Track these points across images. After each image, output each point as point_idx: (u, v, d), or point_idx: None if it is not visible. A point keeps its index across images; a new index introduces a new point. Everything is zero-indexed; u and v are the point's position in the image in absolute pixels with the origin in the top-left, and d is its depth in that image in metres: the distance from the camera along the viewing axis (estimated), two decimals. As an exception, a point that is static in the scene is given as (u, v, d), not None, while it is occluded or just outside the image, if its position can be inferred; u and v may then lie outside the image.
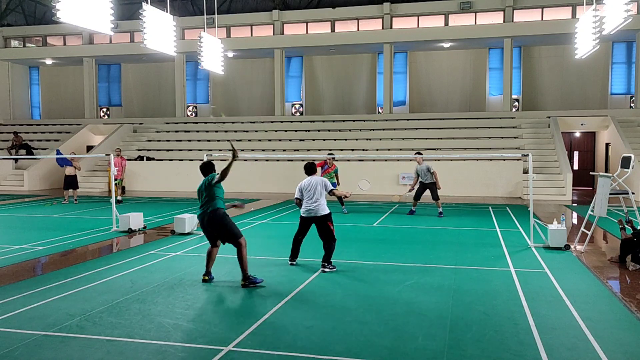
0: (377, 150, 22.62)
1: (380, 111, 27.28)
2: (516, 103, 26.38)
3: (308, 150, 22.48)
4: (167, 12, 12.91)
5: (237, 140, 24.72)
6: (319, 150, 21.81)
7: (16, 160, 24.31)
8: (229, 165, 6.75)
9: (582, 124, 24.08)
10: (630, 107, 24.67)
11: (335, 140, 23.71)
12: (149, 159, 23.79)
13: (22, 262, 8.37)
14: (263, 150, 23.65)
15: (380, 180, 20.10)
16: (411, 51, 27.37)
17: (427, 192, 14.03)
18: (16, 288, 6.71)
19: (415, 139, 22.88)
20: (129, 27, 27.25)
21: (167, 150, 24.90)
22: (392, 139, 23.26)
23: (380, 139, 23.46)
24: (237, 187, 19.78)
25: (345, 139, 23.77)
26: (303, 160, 18.17)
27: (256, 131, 25.81)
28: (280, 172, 21.17)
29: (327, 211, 7.77)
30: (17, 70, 31.00)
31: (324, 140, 23.78)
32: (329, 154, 15.28)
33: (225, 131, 26.19)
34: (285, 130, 25.45)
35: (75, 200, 17.73)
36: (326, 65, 28.79)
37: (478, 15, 24.79)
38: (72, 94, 31.14)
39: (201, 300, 6.28)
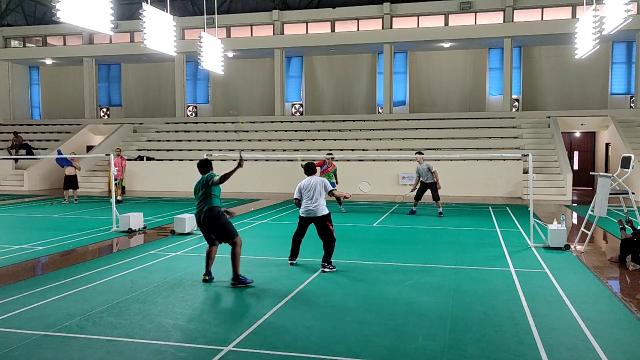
0: (377, 150, 22.62)
1: (380, 111, 27.29)
2: (516, 103, 26.39)
3: (308, 150, 22.47)
4: (167, 12, 12.90)
5: (237, 141, 24.77)
6: (319, 150, 21.80)
7: (16, 160, 24.31)
8: (232, 171, 6.73)
9: (582, 124, 24.08)
10: (630, 107, 24.67)
11: (335, 140, 23.71)
12: (149, 159, 23.79)
13: (22, 262, 8.37)
14: (263, 150, 23.65)
15: (380, 180, 20.10)
16: (411, 51, 27.37)
17: (428, 192, 14.03)
18: (16, 288, 6.71)
19: (415, 139, 22.88)
20: (129, 27, 27.25)
21: (167, 150, 24.90)
22: (392, 139, 23.27)
23: (380, 139, 23.46)
24: (237, 187, 19.78)
25: (345, 139, 23.77)
26: (303, 160, 18.19)
27: (256, 131, 25.81)
28: (280, 172, 21.16)
29: (326, 212, 7.77)
30: (17, 70, 31.01)
31: (324, 140, 23.78)
32: (328, 154, 15.30)
33: (226, 131, 26.20)
34: (285, 130, 25.45)
35: (75, 200, 17.73)
36: (326, 65, 28.79)
37: (478, 15, 24.79)
38: (72, 94, 31.15)
39: (201, 300, 6.28)
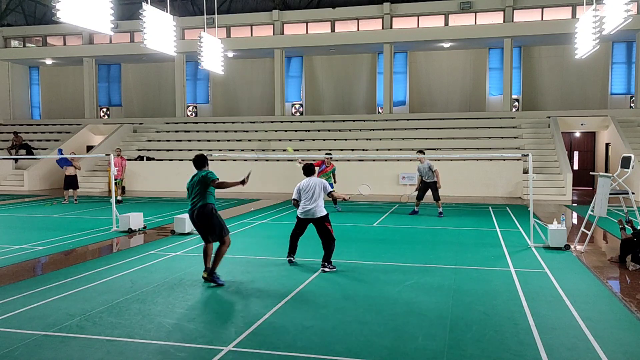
0: (377, 150, 22.62)
1: (380, 111, 27.28)
2: (516, 103, 26.38)
3: (308, 150, 22.46)
4: (167, 12, 12.90)
5: (237, 141, 24.78)
6: (319, 150, 21.79)
7: (16, 160, 24.31)
8: (233, 184, 6.89)
9: (582, 124, 24.08)
10: (630, 107, 24.67)
11: (335, 140, 23.71)
12: (149, 159, 23.79)
13: (22, 262, 8.37)
14: (263, 150, 23.65)
15: (380, 181, 20.11)
16: (411, 51, 27.37)
17: (429, 192, 14.02)
18: (16, 288, 6.71)
19: (415, 139, 22.88)
20: (129, 27, 27.25)
21: (167, 150, 24.90)
22: (392, 139, 23.27)
23: (380, 139, 23.46)
24: (237, 187, 19.74)
25: (345, 139, 23.78)
26: (303, 160, 18.19)
27: (256, 131, 25.81)
28: (280, 172, 21.16)
29: (324, 213, 7.78)
30: (17, 70, 31.01)
31: (324, 140, 23.78)
32: (326, 154, 15.31)
33: (226, 131, 26.21)
34: (285, 130, 25.45)
35: (75, 200, 17.73)
36: (326, 65, 28.79)
37: (478, 15, 24.79)
38: (72, 94, 31.15)
39: (201, 300, 6.28)
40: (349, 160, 20.18)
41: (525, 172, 19.41)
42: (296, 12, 26.79)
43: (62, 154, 19.44)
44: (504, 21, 24.37)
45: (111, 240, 10.49)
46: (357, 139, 23.71)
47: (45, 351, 4.66)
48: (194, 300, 6.27)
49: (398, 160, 20.31)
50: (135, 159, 23.53)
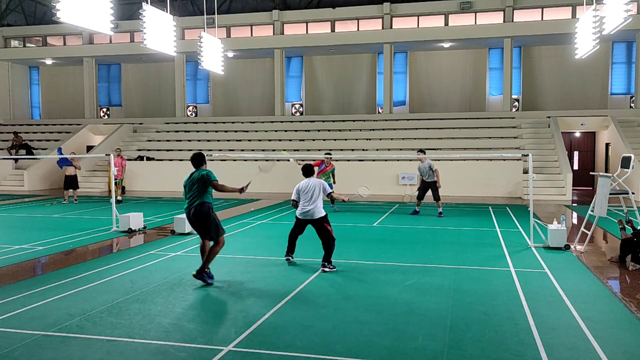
0: (377, 150, 22.62)
1: (380, 111, 27.29)
2: (516, 103, 26.39)
3: (308, 150, 22.47)
4: (167, 12, 12.90)
5: (237, 141, 24.78)
6: (319, 150, 21.79)
7: (16, 160, 24.31)
8: (231, 190, 6.97)
9: (582, 124, 24.08)
10: (630, 107, 24.67)
11: (335, 140, 23.71)
12: (149, 159, 23.79)
13: (22, 262, 8.37)
14: (263, 150, 23.65)
15: (380, 181, 20.11)
16: (411, 51, 27.37)
17: (429, 192, 14.01)
18: (16, 288, 6.71)
19: (415, 139, 22.88)
20: (129, 27, 27.25)
21: (167, 150, 24.90)
22: (392, 139, 23.27)
23: (380, 139, 23.46)
24: (237, 187, 19.74)
25: (345, 139, 23.77)
26: (303, 160, 18.19)
27: (256, 131, 25.81)
28: (280, 172, 21.12)
29: (323, 213, 7.78)
30: (17, 70, 31.01)
31: (324, 140, 23.78)
32: (326, 154, 15.31)
33: (226, 131, 26.21)
34: (285, 130, 25.45)
35: (75, 200, 17.73)
36: (326, 65, 28.79)
37: (478, 15, 24.79)
38: (72, 94, 31.15)
39: (201, 300, 6.29)
40: (349, 161, 20.17)
41: (525, 172, 19.41)
42: (296, 12, 26.79)
43: (61, 153, 19.46)
44: (504, 21, 24.37)
45: (111, 240, 10.49)
46: (357, 139, 23.71)
47: (45, 351, 4.66)
48: (194, 300, 6.27)
49: (398, 160, 20.31)
50: (135, 159, 23.53)
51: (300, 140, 24.13)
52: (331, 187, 8.43)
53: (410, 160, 18.71)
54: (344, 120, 26.00)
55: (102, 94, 31.06)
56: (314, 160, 15.85)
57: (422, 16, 25.36)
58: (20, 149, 25.56)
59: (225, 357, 4.54)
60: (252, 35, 27.25)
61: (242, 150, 23.96)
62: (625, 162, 9.36)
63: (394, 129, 24.34)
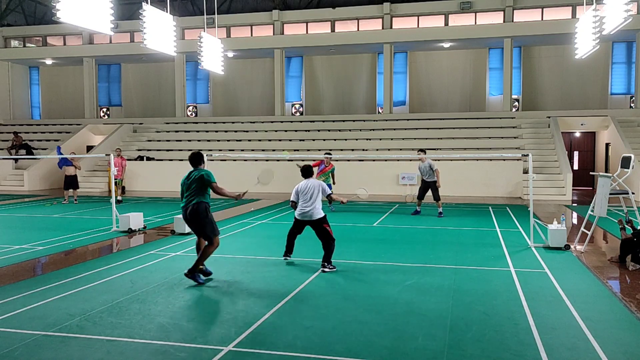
0: (377, 150, 22.62)
1: (380, 111, 27.29)
2: (516, 103, 26.39)
3: (308, 150, 22.47)
4: (167, 12, 12.90)
5: (237, 141, 24.77)
6: (319, 150, 21.79)
7: (16, 160, 24.31)
8: (228, 195, 6.93)
9: (582, 124, 24.08)
10: (630, 107, 24.67)
11: (335, 140, 23.71)
12: (149, 159, 23.79)
13: (22, 262, 8.37)
14: (263, 150, 23.65)
15: (380, 180, 20.11)
16: (411, 51, 27.37)
17: (429, 192, 14.00)
18: (16, 288, 6.71)
19: (415, 139, 22.88)
20: (129, 27, 27.26)
21: (167, 150, 24.90)
22: (392, 139, 23.27)
23: (380, 139, 23.46)
24: (237, 187, 19.71)
25: (345, 139, 23.77)
26: (303, 160, 18.22)
27: (256, 131, 25.81)
28: (280, 172, 21.07)
29: (321, 214, 7.79)
30: (17, 70, 31.01)
31: (324, 140, 23.78)
32: (326, 154, 15.31)
33: (226, 131, 26.20)
34: (285, 130, 25.45)
35: (75, 200, 17.73)
36: (326, 65, 28.79)
37: (478, 15, 24.80)
38: (72, 94, 31.15)
39: (201, 300, 6.28)
40: (349, 161, 20.17)
41: (525, 172, 19.41)
42: (296, 12, 26.79)
43: (60, 152, 19.46)
44: (504, 21, 24.37)
45: (111, 240, 10.49)
46: (357, 139, 23.70)
47: (45, 351, 4.66)
48: (194, 300, 6.27)
49: (398, 160, 20.31)
50: (135, 159, 23.52)
51: (300, 140, 24.13)
52: (330, 188, 8.41)
53: (411, 160, 18.71)
54: (344, 120, 26.00)
55: (102, 94, 31.07)
56: (313, 160, 15.86)
57: (422, 16, 25.37)
58: (20, 149, 25.56)
59: (225, 357, 4.53)
60: (252, 35, 27.25)
61: (242, 150, 23.96)
62: (625, 162, 9.36)
63: (394, 129, 24.34)
